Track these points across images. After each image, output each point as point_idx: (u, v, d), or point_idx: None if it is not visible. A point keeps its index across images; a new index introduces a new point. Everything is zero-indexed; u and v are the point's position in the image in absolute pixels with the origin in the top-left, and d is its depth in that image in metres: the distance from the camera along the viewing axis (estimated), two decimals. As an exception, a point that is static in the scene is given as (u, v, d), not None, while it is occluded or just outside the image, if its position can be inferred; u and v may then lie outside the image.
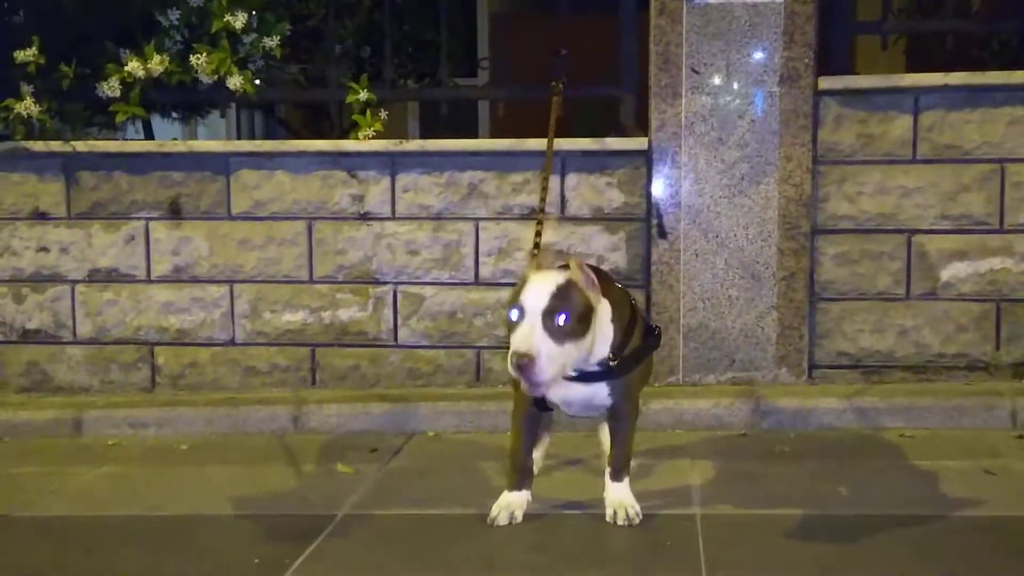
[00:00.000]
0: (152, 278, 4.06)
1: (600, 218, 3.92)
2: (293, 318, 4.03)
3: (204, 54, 3.88)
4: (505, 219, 3.95)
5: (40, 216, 4.07)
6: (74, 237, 4.07)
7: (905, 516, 2.72)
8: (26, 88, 3.94)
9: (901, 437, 3.46)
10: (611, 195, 3.91)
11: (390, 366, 4.01)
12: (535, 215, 3.81)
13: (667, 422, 3.63)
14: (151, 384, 4.09)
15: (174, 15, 3.98)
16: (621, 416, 2.75)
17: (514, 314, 2.42)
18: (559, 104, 3.25)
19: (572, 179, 3.92)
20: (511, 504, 2.77)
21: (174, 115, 5.32)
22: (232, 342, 4.06)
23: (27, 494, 3.13)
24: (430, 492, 3.03)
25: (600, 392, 2.68)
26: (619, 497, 2.77)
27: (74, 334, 4.10)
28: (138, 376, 4.09)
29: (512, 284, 3.91)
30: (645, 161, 3.85)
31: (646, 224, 3.87)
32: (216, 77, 3.92)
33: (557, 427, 3.16)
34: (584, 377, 2.62)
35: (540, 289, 2.42)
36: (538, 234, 2.76)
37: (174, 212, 4.03)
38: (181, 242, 4.03)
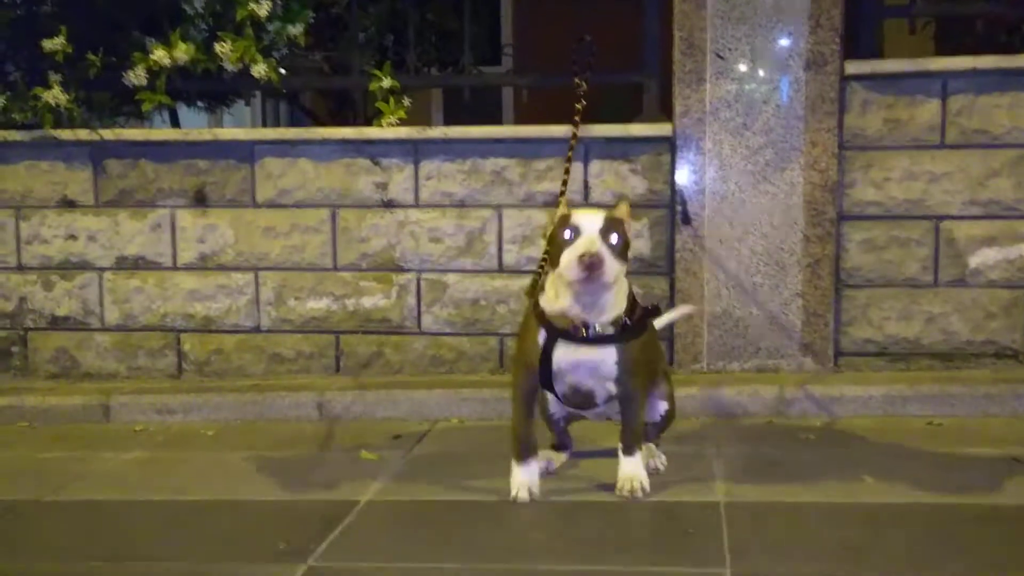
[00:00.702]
0: (178, 265, 4.10)
1: (624, 205, 3.89)
2: (317, 305, 4.05)
3: (229, 42, 3.89)
4: (528, 206, 3.94)
5: (68, 204, 4.11)
6: (101, 225, 4.11)
7: (931, 504, 2.70)
8: (54, 77, 3.97)
9: (928, 425, 3.43)
10: (634, 182, 3.89)
11: (414, 353, 4.02)
12: (558, 202, 3.82)
13: (691, 409, 3.61)
14: (177, 371, 4.13)
15: (199, 3, 4.00)
16: (628, 394, 2.80)
17: (567, 233, 2.60)
18: (582, 106, 3.41)
19: (595, 166, 3.91)
20: (525, 480, 2.82)
21: (200, 104, 5.35)
22: (257, 329, 4.09)
23: (56, 479, 3.17)
24: (453, 479, 3.04)
25: (608, 359, 2.73)
26: (629, 471, 2.84)
27: (102, 321, 4.14)
28: (164, 363, 4.13)
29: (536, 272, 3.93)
30: (669, 147, 3.83)
31: (670, 211, 3.86)
32: (241, 65, 3.94)
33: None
34: (598, 339, 2.70)
35: (594, 216, 2.64)
36: (564, 183, 3.13)
37: (199, 200, 4.06)
38: (206, 230, 4.06)
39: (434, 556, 2.48)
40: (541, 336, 2.75)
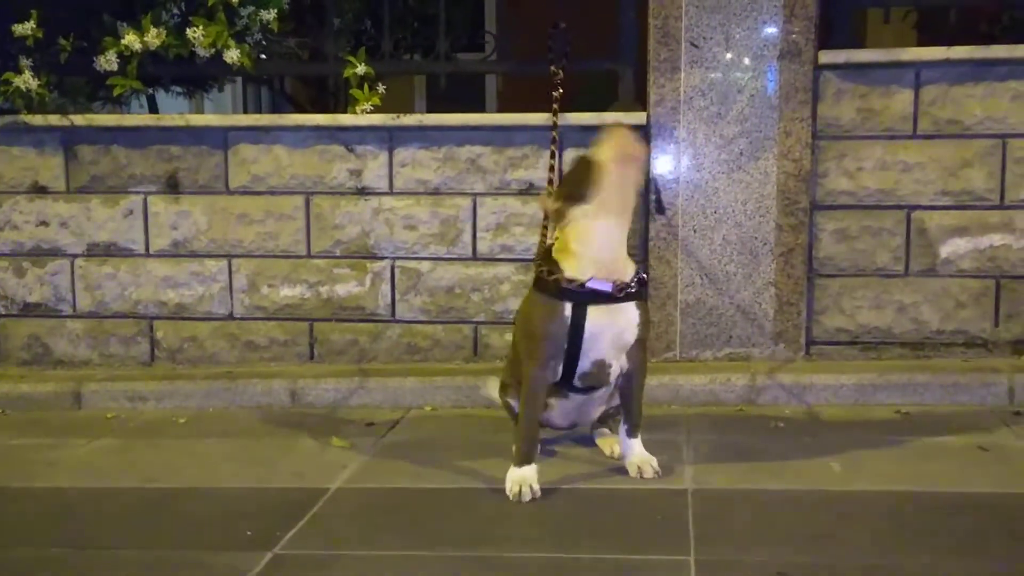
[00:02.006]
0: (151, 252, 4.07)
1: (598, 193, 3.89)
2: (291, 293, 4.04)
3: (201, 27, 3.86)
4: (503, 194, 3.93)
5: (40, 190, 4.08)
6: (73, 211, 4.08)
7: (898, 492, 2.72)
8: (25, 62, 3.93)
9: (897, 414, 3.46)
10: (609, 170, 3.88)
11: (388, 341, 4.01)
12: (532, 191, 3.83)
13: (663, 397, 3.63)
14: (150, 358, 4.11)
15: (171, -12, 3.97)
16: (637, 366, 2.84)
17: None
18: (559, 94, 3.49)
19: (570, 154, 3.88)
20: (528, 478, 2.75)
21: (177, 90, 5.31)
22: (230, 316, 4.07)
23: (26, 466, 3.16)
24: (424, 466, 3.05)
25: (633, 319, 2.75)
26: (641, 454, 2.90)
27: (74, 308, 4.12)
28: (137, 350, 4.11)
29: (511, 260, 3.93)
30: (644, 136, 3.82)
31: (644, 199, 3.85)
32: (214, 51, 3.90)
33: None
34: (628, 296, 2.73)
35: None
36: (552, 168, 3.29)
37: (172, 186, 4.03)
38: (179, 216, 4.04)
39: (402, 544, 2.49)
40: (567, 309, 2.68)
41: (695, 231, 3.79)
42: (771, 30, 3.67)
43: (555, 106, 3.66)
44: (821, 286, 3.81)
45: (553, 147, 3.48)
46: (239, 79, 6.10)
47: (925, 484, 2.78)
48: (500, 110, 7.37)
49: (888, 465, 2.95)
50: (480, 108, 7.58)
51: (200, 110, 7.72)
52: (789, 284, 3.77)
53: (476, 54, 7.82)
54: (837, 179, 3.76)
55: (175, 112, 6.55)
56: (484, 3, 8.65)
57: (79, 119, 4.02)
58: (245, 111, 9.01)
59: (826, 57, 3.69)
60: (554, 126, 3.53)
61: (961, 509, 2.60)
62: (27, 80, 3.90)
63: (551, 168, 3.18)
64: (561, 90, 3.73)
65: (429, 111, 8.12)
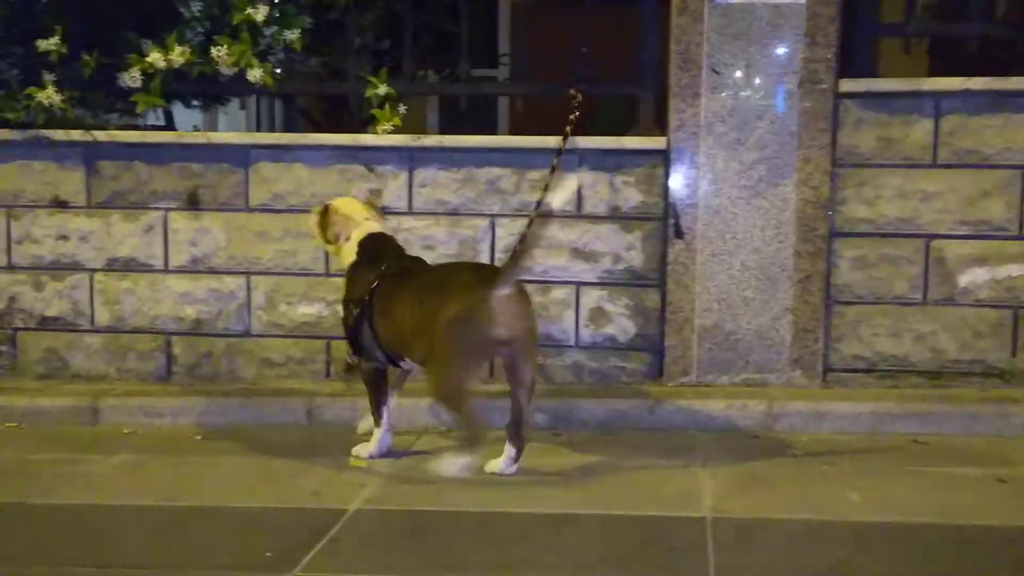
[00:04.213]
0: (170, 268, 4.09)
1: (617, 217, 3.91)
2: (309, 311, 4.05)
3: (225, 46, 3.88)
4: (522, 216, 3.94)
5: (60, 204, 4.10)
6: (93, 226, 4.10)
7: (916, 524, 2.72)
8: (48, 77, 3.96)
9: (915, 443, 3.45)
10: (628, 194, 3.90)
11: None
12: (551, 213, 3.84)
13: (680, 422, 3.63)
14: (167, 373, 4.12)
15: (196, 6, 3.99)
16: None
17: None
18: (575, 117, 3.68)
19: (589, 177, 3.92)
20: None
21: (194, 103, 5.33)
22: (248, 333, 4.08)
23: (44, 481, 3.16)
24: (442, 488, 3.05)
25: None
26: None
27: (92, 322, 4.13)
28: (154, 365, 4.12)
29: (528, 281, 3.93)
30: (663, 160, 3.84)
31: (663, 224, 3.87)
32: (237, 69, 3.93)
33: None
34: None
35: None
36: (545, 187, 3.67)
37: (193, 203, 4.05)
38: (199, 233, 4.06)
39: (422, 568, 2.49)
40: None
41: (713, 256, 3.80)
42: (792, 58, 3.69)
43: (567, 128, 3.74)
44: (839, 313, 3.82)
45: (554, 163, 3.73)
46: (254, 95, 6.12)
47: (944, 515, 2.78)
48: (512, 128, 7.40)
49: (907, 495, 2.95)
50: (492, 126, 7.60)
51: (214, 123, 7.77)
52: (807, 311, 3.77)
53: (488, 70, 7.90)
54: (856, 207, 3.77)
55: (189, 124, 6.58)
56: (498, 20, 8.69)
57: (101, 135, 4.04)
58: (259, 125, 9.06)
59: (846, 86, 3.70)
60: (558, 152, 3.75)
61: (979, 541, 2.60)
62: (50, 95, 3.92)
63: (544, 187, 3.45)
64: (578, 113, 3.76)
65: (442, 128, 8.15)
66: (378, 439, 3.33)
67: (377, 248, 3.31)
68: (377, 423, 3.33)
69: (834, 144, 3.73)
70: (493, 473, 3.11)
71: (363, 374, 3.31)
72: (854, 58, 3.89)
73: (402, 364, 3.29)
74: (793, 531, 2.69)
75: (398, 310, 3.15)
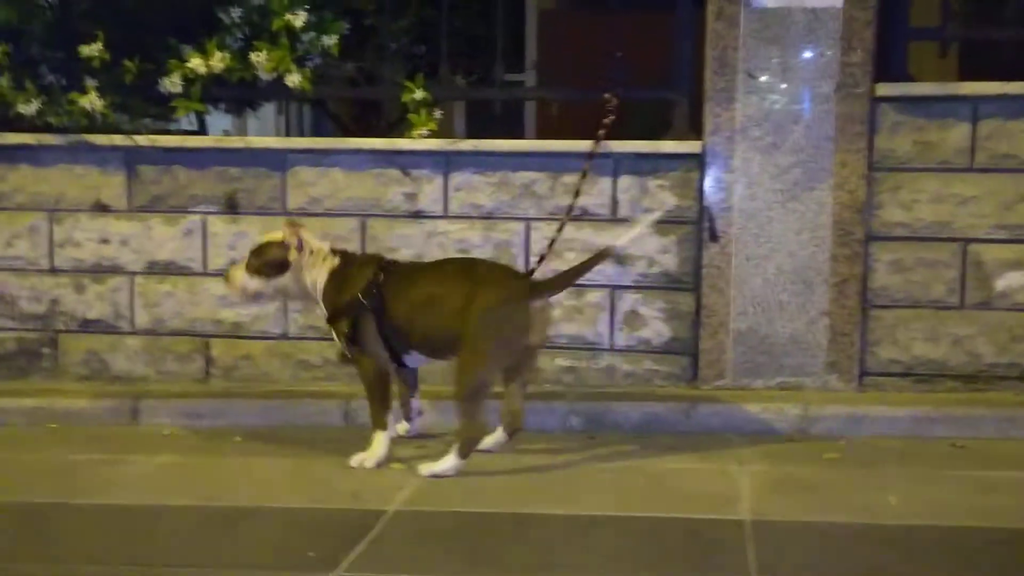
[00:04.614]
0: (208, 271, 4.13)
1: (652, 220, 3.92)
2: (345, 313, 4.07)
3: (264, 52, 3.93)
4: (557, 220, 3.95)
5: (101, 208, 4.16)
6: (134, 229, 4.15)
7: (955, 527, 2.72)
8: (90, 83, 4.02)
9: (952, 447, 3.44)
10: (663, 197, 3.91)
11: (437, 363, 4.03)
12: (586, 216, 3.87)
13: (715, 425, 3.63)
14: (205, 375, 4.17)
15: (236, 13, 4.03)
16: None
17: None
18: (609, 121, 3.73)
19: (624, 181, 3.93)
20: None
21: (223, 106, 5.37)
22: (285, 336, 4.12)
23: (87, 482, 3.21)
24: (479, 490, 3.07)
25: None
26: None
27: (132, 324, 4.19)
28: (193, 367, 4.17)
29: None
30: (698, 164, 3.85)
31: (698, 227, 3.88)
32: (275, 74, 3.97)
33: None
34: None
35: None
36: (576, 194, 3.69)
37: (231, 207, 4.10)
38: (237, 236, 4.10)
39: (462, 569, 2.51)
40: None
41: (748, 259, 3.80)
42: (828, 62, 3.69)
43: (600, 131, 3.76)
44: (875, 317, 3.81)
45: (585, 167, 3.75)
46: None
47: (983, 519, 2.77)
48: (540, 133, 7.41)
49: (945, 499, 2.94)
50: (520, 129, 7.62)
51: (245, 127, 7.84)
52: (843, 314, 3.77)
53: (515, 75, 7.91)
54: (893, 211, 3.77)
55: (220, 128, 6.65)
56: (525, 23, 8.71)
57: (142, 139, 4.10)
58: (288, 128, 9.13)
59: (883, 90, 3.70)
60: (590, 156, 3.77)
61: (1019, 544, 2.60)
62: (92, 100, 3.98)
63: (575, 193, 3.54)
64: (613, 117, 3.78)
65: (469, 131, 8.18)
66: (384, 445, 3.28)
67: (347, 252, 3.40)
68: (382, 427, 3.29)
69: (870, 148, 3.73)
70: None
71: (366, 374, 3.29)
72: (889, 62, 3.88)
73: (407, 360, 3.32)
74: (833, 534, 2.68)
75: (422, 297, 3.21)
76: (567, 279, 3.31)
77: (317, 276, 3.31)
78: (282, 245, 3.31)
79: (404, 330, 3.23)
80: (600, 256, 3.30)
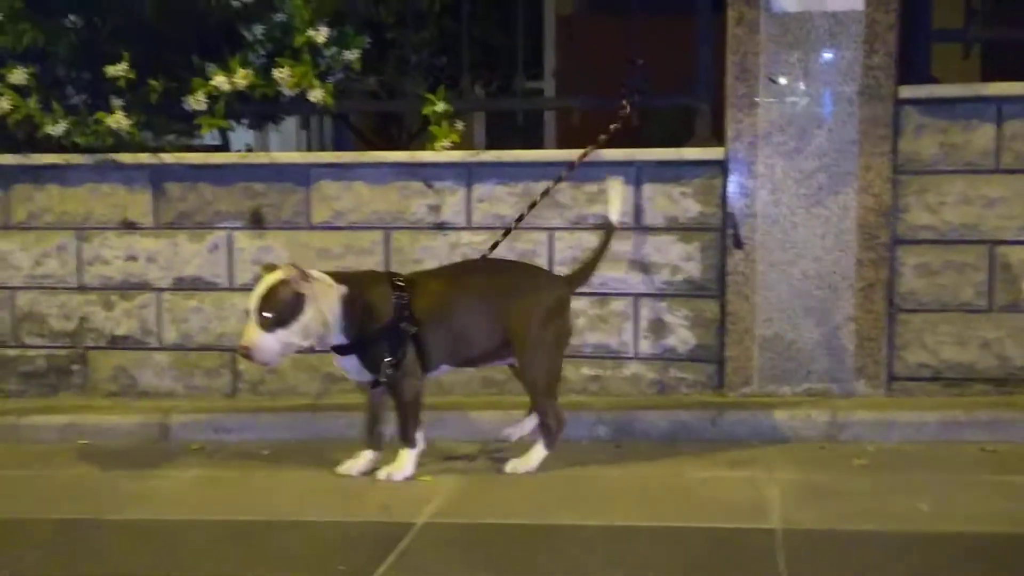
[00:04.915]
0: (234, 286, 4.17)
1: (675, 228, 3.92)
2: (370, 326, 4.09)
3: (287, 68, 3.96)
4: (580, 229, 3.97)
5: (129, 226, 4.20)
6: (161, 246, 4.20)
7: (988, 534, 2.69)
8: (116, 102, 4.06)
9: (983, 451, 3.41)
10: (686, 205, 3.91)
11: (466, 374, 4.05)
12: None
13: (742, 433, 3.62)
14: (233, 390, 4.20)
15: (258, 30, 4.07)
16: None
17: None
18: (622, 122, 3.78)
19: (648, 189, 3.93)
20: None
21: (244, 122, 5.41)
22: (311, 349, 4.12)
23: (118, 497, 3.24)
24: (506, 500, 3.07)
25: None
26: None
27: (160, 340, 4.22)
28: (220, 382, 4.20)
29: (587, 293, 3.96)
30: (721, 171, 3.85)
31: (721, 234, 3.87)
32: (298, 90, 4.00)
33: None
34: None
35: (256, 291, 3.10)
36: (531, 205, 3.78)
37: (256, 222, 4.13)
38: (263, 251, 4.13)
39: (494, 581, 2.51)
40: None
41: (773, 265, 3.79)
42: (851, 65, 3.67)
43: (602, 137, 3.79)
44: (903, 321, 3.78)
45: (562, 175, 3.82)
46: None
47: (1017, 525, 2.74)
48: (560, 141, 7.42)
49: (977, 505, 2.91)
50: (540, 138, 7.62)
51: (266, 141, 7.89)
52: (870, 319, 3.74)
53: (533, 82, 7.91)
54: (918, 214, 3.74)
55: (242, 142, 6.70)
56: (543, 30, 8.72)
57: (168, 157, 4.14)
58: (309, 141, 9.19)
59: (907, 92, 3.68)
60: (570, 166, 3.79)
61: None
62: (119, 119, 4.02)
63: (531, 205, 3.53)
64: (619, 124, 3.79)
65: (489, 140, 8.20)
66: (413, 462, 3.28)
67: (341, 274, 3.26)
68: (412, 444, 3.27)
69: (895, 151, 3.71)
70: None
71: (406, 393, 3.22)
72: (912, 64, 3.86)
73: (433, 373, 3.32)
74: (864, 542, 2.66)
75: (463, 307, 3.24)
76: (590, 269, 3.47)
77: (331, 305, 3.13)
78: (287, 282, 3.04)
79: (443, 343, 3.23)
80: (607, 236, 3.48)
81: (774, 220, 3.77)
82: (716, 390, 3.90)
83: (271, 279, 3.05)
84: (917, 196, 3.74)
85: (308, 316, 3.07)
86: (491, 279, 3.33)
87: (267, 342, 3.03)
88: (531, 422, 3.43)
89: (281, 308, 3.02)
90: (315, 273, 3.15)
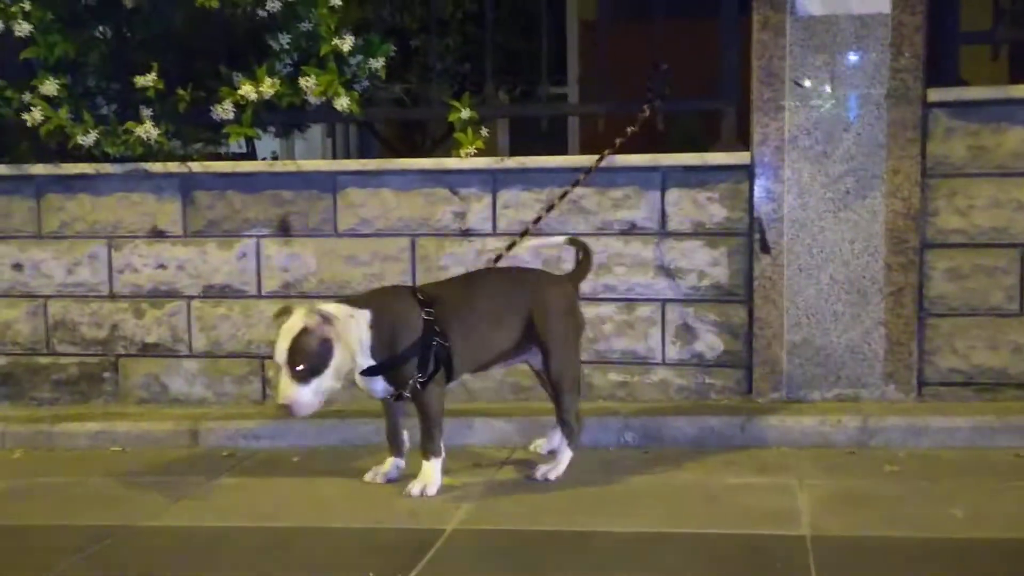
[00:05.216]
0: (263, 294, 4.20)
1: (701, 233, 3.91)
2: (397, 332, 4.10)
3: (313, 76, 3.99)
4: (605, 234, 3.97)
5: (158, 234, 4.24)
6: (190, 254, 4.23)
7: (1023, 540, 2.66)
8: (145, 112, 4.11)
9: (1017, 457, 3.37)
10: (712, 210, 3.90)
11: (492, 380, 4.06)
12: (635, 230, 3.87)
13: (772, 439, 3.60)
14: (262, 396, 4.23)
15: (284, 39, 4.09)
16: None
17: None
18: (640, 125, 3.81)
19: (673, 194, 3.92)
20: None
21: (271, 129, 5.45)
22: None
23: (151, 504, 3.27)
24: (534, 507, 3.07)
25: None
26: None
27: (190, 348, 4.26)
28: (250, 389, 4.23)
29: (613, 299, 3.96)
30: (747, 175, 3.83)
31: (748, 239, 3.85)
32: (324, 98, 4.03)
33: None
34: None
35: (283, 338, 3.08)
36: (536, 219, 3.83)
37: (284, 229, 4.16)
38: (290, 258, 4.16)
39: (523, 588, 2.51)
40: None
41: (801, 270, 3.77)
42: (878, 68, 3.65)
43: (618, 140, 3.81)
44: (932, 326, 3.75)
45: (581, 179, 3.85)
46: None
47: (1053, 532, 2.71)
48: (583, 144, 7.42)
49: (1012, 511, 2.88)
50: (563, 143, 7.63)
51: (292, 149, 7.95)
52: (899, 324, 3.71)
53: (556, 88, 7.92)
54: (948, 217, 3.71)
55: (268, 149, 6.75)
56: (565, 35, 8.73)
57: (197, 166, 4.18)
58: (334, 148, 9.25)
59: (935, 95, 3.65)
60: (588, 171, 3.84)
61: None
62: (148, 129, 4.06)
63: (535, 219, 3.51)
64: (635, 128, 3.78)
65: (512, 145, 8.21)
66: (439, 471, 3.25)
67: (358, 298, 3.26)
68: (438, 454, 3.24)
69: (924, 154, 3.68)
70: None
71: (434, 404, 3.19)
72: (940, 67, 3.83)
73: (456, 381, 3.33)
74: (897, 549, 2.64)
75: (488, 317, 3.26)
76: (585, 268, 3.56)
77: (358, 336, 3.08)
78: (311, 331, 2.98)
79: (468, 353, 3.23)
80: (575, 242, 3.64)
81: (801, 224, 3.75)
82: (744, 396, 3.89)
83: (293, 328, 2.99)
84: (946, 199, 3.71)
85: (338, 359, 3.02)
86: (506, 283, 3.37)
87: (305, 396, 2.98)
88: (559, 435, 3.43)
89: (312, 358, 2.97)
90: (332, 309, 3.07)
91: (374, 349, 3.11)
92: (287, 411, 3.00)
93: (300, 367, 2.96)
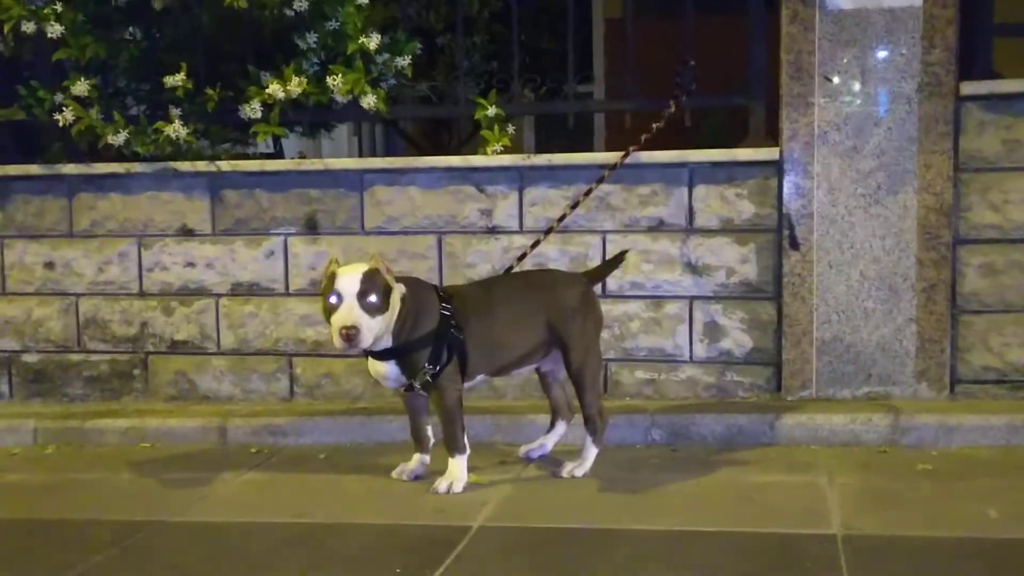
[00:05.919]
0: (290, 291, 4.22)
1: (730, 229, 3.88)
2: (424, 330, 4.11)
3: (340, 75, 4.00)
4: (633, 231, 3.95)
5: (187, 233, 4.27)
6: (218, 252, 4.26)
7: (1061, 541, 2.61)
8: (174, 112, 4.14)
9: (1053, 456, 3.32)
10: (741, 206, 3.86)
11: (518, 376, 4.04)
12: (663, 227, 3.84)
13: (801, 437, 3.56)
14: (289, 393, 4.25)
15: (311, 38, 4.11)
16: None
17: (332, 299, 3.07)
18: (664, 121, 3.78)
19: (700, 190, 3.89)
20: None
21: (298, 129, 5.48)
22: (366, 353, 4.16)
23: (180, 499, 3.29)
24: (561, 504, 3.06)
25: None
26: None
27: (218, 345, 4.29)
28: (277, 386, 4.25)
29: (640, 296, 3.94)
30: (776, 171, 3.80)
31: (777, 235, 3.82)
32: (351, 96, 4.04)
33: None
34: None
35: (352, 276, 3.05)
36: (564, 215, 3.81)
37: (311, 227, 4.18)
38: (317, 257, 4.17)
39: (550, 585, 2.50)
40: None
41: (831, 267, 3.73)
42: (909, 62, 3.61)
43: (644, 136, 3.78)
44: (965, 323, 3.70)
45: (606, 175, 3.79)
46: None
47: (1091, 533, 2.66)
48: (608, 142, 7.39)
49: (1048, 511, 2.83)
50: (590, 140, 7.61)
51: (319, 148, 7.99)
52: (931, 321, 3.66)
53: (582, 85, 7.89)
54: (982, 212, 3.66)
55: (295, 149, 6.78)
56: (592, 30, 8.70)
57: (225, 165, 4.21)
58: (360, 146, 9.28)
59: (968, 88, 3.60)
60: (613, 167, 3.81)
61: None
62: (177, 129, 4.09)
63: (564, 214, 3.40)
64: (660, 124, 3.76)
65: (538, 143, 8.20)
66: (465, 467, 3.25)
67: (401, 277, 3.24)
68: (462, 450, 3.24)
69: (956, 149, 3.63)
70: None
71: (448, 399, 3.19)
72: (973, 60, 3.78)
73: (473, 382, 3.31)
74: (930, 549, 2.60)
75: (509, 316, 3.26)
76: (608, 266, 3.62)
77: (396, 303, 3.09)
78: (378, 272, 3.03)
79: (484, 352, 3.23)
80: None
81: (831, 220, 3.71)
82: (773, 393, 3.86)
83: (360, 267, 3.03)
84: (980, 194, 3.66)
85: (392, 309, 3.05)
86: (521, 287, 3.36)
87: (368, 324, 2.97)
88: (555, 435, 3.52)
89: (379, 294, 2.99)
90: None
91: (396, 329, 3.11)
92: (351, 334, 2.95)
93: (370, 298, 2.97)
